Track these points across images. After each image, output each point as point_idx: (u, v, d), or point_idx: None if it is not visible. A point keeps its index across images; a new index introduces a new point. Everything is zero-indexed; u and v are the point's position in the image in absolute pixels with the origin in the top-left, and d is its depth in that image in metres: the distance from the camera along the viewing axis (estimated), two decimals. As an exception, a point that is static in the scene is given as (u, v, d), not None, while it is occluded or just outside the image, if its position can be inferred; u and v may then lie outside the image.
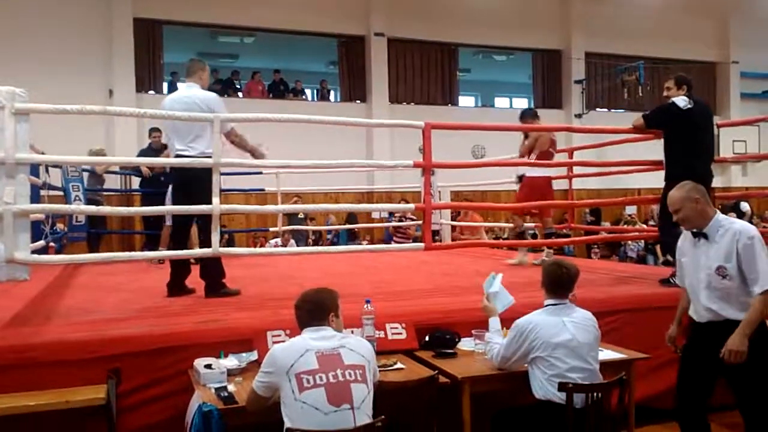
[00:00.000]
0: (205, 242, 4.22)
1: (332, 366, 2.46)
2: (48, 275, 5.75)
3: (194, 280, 4.58)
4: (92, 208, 5.30)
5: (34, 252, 3.82)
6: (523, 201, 5.95)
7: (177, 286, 4.57)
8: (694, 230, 3.02)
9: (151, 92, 12.66)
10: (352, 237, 12.10)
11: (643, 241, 11.58)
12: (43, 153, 5.21)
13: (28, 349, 3.06)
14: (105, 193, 8.72)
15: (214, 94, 4.52)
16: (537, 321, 2.99)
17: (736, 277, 2.88)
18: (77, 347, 3.12)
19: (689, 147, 4.76)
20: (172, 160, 4.48)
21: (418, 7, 14.13)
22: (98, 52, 12.00)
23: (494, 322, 3.35)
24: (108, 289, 5.13)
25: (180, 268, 4.59)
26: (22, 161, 3.54)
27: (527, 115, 6.40)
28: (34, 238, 4.46)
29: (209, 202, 4.02)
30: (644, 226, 11.99)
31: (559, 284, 3.07)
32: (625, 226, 11.74)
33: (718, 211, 3.02)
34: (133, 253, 4.87)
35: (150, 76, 12.77)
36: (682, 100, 4.78)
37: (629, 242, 11.91)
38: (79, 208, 5.93)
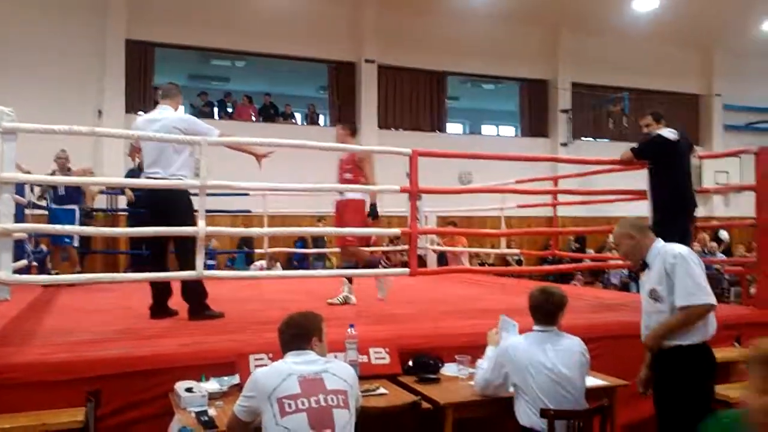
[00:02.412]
0: (188, 264, 4.16)
1: (314, 391, 2.45)
2: (29, 295, 5.68)
3: (178, 302, 4.55)
4: (76, 228, 5.27)
5: (15, 272, 3.78)
6: (354, 225, 5.16)
7: (160, 308, 4.53)
8: (640, 263, 3.05)
9: (141, 114, 12.63)
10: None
11: (626, 268, 11.64)
12: (29, 172, 5.20)
13: (6, 370, 3.01)
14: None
15: (187, 114, 4.57)
16: (517, 344, 2.99)
17: (668, 299, 2.88)
18: (56, 369, 3.08)
19: (678, 176, 4.87)
20: (154, 182, 4.31)
21: (409, 36, 14.31)
22: (89, 72, 12.00)
23: (491, 351, 3.30)
24: (90, 310, 5.07)
25: (162, 290, 4.55)
26: (7, 180, 3.53)
27: (354, 131, 5.65)
28: (17, 258, 4.42)
29: (185, 224, 4.01)
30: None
31: (542, 311, 3.04)
32: (609, 253, 11.81)
33: (660, 240, 3.04)
34: (115, 275, 4.82)
35: (140, 97, 12.76)
36: (669, 132, 4.88)
37: (612, 269, 11.96)
38: (63, 228, 5.88)
